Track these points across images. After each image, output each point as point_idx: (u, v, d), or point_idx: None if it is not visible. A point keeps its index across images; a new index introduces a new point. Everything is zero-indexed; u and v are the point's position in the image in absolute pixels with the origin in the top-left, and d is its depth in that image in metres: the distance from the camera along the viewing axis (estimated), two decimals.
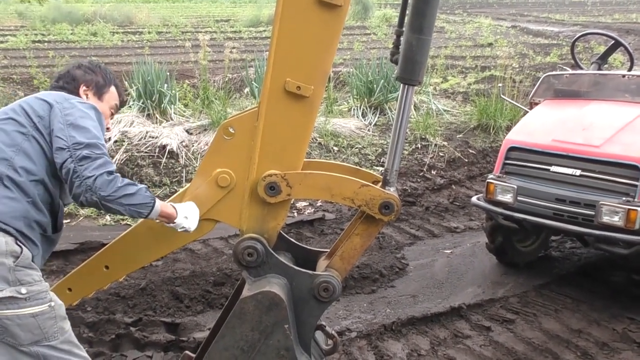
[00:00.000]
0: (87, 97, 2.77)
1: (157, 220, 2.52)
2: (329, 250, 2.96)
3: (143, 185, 2.44)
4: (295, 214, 6.27)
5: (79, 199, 2.37)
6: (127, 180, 2.41)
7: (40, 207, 2.45)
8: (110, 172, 2.36)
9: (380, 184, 2.73)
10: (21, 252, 2.33)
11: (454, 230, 6.03)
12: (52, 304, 2.39)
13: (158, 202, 2.45)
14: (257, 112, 2.61)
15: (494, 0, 43.54)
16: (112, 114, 2.93)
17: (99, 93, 2.83)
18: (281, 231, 2.82)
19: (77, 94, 2.75)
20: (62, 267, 4.85)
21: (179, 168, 7.03)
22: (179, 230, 2.57)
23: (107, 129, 2.78)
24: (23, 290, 2.30)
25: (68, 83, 2.78)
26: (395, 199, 2.61)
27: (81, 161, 2.35)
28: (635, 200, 3.95)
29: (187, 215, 2.55)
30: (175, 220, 2.53)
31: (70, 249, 5.09)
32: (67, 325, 2.46)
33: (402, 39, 2.66)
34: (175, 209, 2.54)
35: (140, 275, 4.72)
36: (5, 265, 2.28)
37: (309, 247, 3.09)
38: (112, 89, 2.88)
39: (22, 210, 2.38)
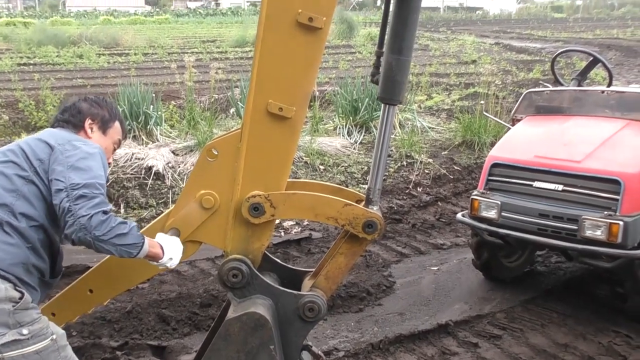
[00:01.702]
0: (91, 131, 2.76)
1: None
2: (314, 269, 2.97)
3: (134, 224, 2.43)
4: (282, 233, 6.27)
5: (71, 237, 2.35)
6: (119, 219, 2.40)
7: (40, 253, 2.46)
8: (105, 212, 2.35)
9: (363, 203, 2.76)
10: (20, 298, 2.32)
11: (441, 247, 6.05)
12: (54, 336, 2.40)
13: (147, 242, 2.44)
14: (240, 133, 2.63)
15: (478, 17, 44.02)
16: (115, 149, 2.93)
17: (104, 127, 2.82)
18: (266, 251, 2.83)
19: (82, 127, 2.75)
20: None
21: (165, 189, 7.03)
22: (159, 267, 2.59)
23: (109, 163, 2.78)
24: (25, 331, 2.31)
25: (74, 116, 2.77)
26: (378, 218, 2.63)
27: (77, 200, 2.33)
28: (617, 214, 4.00)
29: (172, 257, 2.54)
30: (159, 260, 2.52)
31: None
32: (69, 350, 2.49)
33: (382, 59, 2.70)
34: (162, 249, 2.52)
35: (126, 298, 4.70)
36: (5, 310, 2.27)
37: (294, 267, 3.10)
38: (117, 124, 2.87)
39: (22, 257, 2.38)
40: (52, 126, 2.79)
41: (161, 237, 2.57)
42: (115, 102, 8.41)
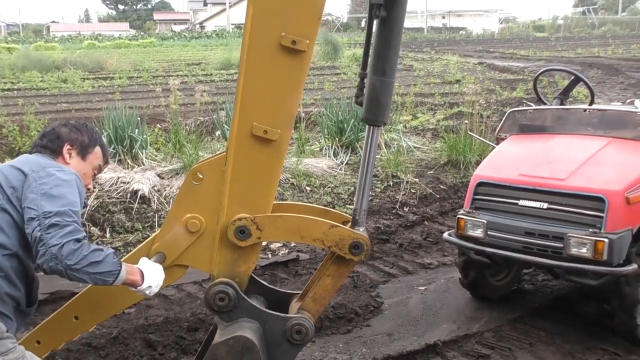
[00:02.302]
0: (70, 156, 2.72)
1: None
2: (301, 292, 2.96)
3: (110, 251, 2.40)
4: (269, 255, 6.25)
5: (43, 267, 2.31)
6: (93, 246, 2.36)
7: (14, 281, 2.43)
8: (77, 240, 2.31)
9: (349, 224, 2.76)
10: None
11: (428, 267, 6.05)
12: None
13: (124, 269, 2.41)
14: (225, 156, 2.63)
15: (461, 37, 44.48)
16: (95, 175, 2.88)
17: (83, 153, 2.77)
18: (253, 274, 2.83)
19: (60, 153, 2.70)
20: (33, 318, 4.75)
21: (151, 213, 6.99)
22: (138, 294, 2.55)
23: (87, 189, 2.75)
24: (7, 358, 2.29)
25: (52, 141, 2.71)
26: (364, 239, 2.64)
27: (48, 229, 2.30)
28: (602, 231, 4.02)
29: (151, 285, 2.51)
30: (137, 288, 2.49)
31: (41, 299, 4.96)
32: None
33: (366, 81, 2.72)
34: (142, 275, 2.49)
35: (112, 324, 4.65)
36: None
37: (281, 290, 3.09)
38: (97, 149, 2.82)
39: None
40: (30, 152, 2.75)
41: (143, 263, 2.55)
42: (100, 126, 8.42)
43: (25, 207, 2.38)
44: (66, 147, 2.71)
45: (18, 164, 2.56)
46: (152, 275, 2.52)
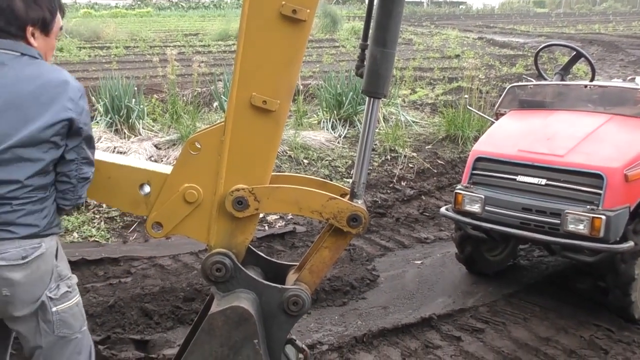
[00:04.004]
0: (34, 38, 2.40)
1: None
2: (298, 263, 2.96)
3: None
4: (266, 227, 6.25)
5: (58, 200, 2.49)
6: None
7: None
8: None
9: (348, 196, 2.74)
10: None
11: (424, 241, 6.07)
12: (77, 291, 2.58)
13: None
14: (224, 127, 2.60)
15: (461, 12, 44.15)
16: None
17: (47, 29, 2.45)
18: (250, 245, 2.82)
19: (24, 37, 2.38)
20: None
21: None
22: None
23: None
24: (68, 283, 2.51)
25: (10, 22, 2.35)
26: (362, 212, 2.63)
27: (81, 181, 2.52)
28: (599, 208, 4.02)
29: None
30: None
31: None
32: None
33: (366, 52, 2.69)
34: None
35: (108, 293, 4.67)
36: (54, 265, 2.45)
37: (278, 261, 3.08)
38: (58, 16, 2.50)
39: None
40: None
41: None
42: (97, 95, 8.36)
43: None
44: (29, 30, 2.39)
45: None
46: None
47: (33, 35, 2.40)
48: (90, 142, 2.47)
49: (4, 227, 2.29)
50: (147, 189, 2.68)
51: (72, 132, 2.37)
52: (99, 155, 2.68)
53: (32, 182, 2.33)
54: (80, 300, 2.59)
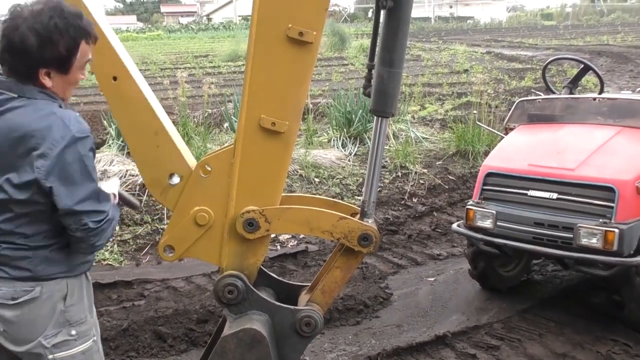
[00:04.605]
0: (49, 78, 2.21)
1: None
2: (310, 284, 2.96)
3: (106, 208, 2.30)
4: (279, 246, 6.26)
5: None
6: (103, 221, 2.28)
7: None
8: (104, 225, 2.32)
9: (358, 216, 2.75)
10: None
11: (437, 258, 6.04)
12: (95, 337, 2.45)
13: (118, 210, 2.45)
14: (234, 149, 2.63)
15: (469, 26, 44.24)
16: (87, 62, 2.36)
17: (64, 67, 2.22)
18: (261, 266, 2.83)
19: (36, 79, 2.19)
20: None
21: (160, 205, 6.99)
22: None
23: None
24: (73, 331, 2.36)
25: (20, 60, 2.16)
26: (373, 231, 2.63)
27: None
28: (612, 221, 4.00)
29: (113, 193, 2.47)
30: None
31: None
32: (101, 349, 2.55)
33: (373, 72, 2.71)
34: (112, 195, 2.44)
35: (121, 316, 4.67)
36: (58, 309, 2.32)
37: (290, 282, 3.09)
38: (82, 45, 2.23)
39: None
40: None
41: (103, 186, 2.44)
42: (109, 119, 8.42)
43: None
44: (42, 71, 2.18)
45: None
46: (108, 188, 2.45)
47: (48, 75, 2.20)
48: (79, 189, 2.18)
49: (2, 264, 2.25)
50: (175, 179, 2.67)
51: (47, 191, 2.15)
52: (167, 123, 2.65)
53: (6, 227, 2.22)
54: (94, 347, 2.45)
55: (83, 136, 2.18)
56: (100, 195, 2.28)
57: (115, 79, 2.58)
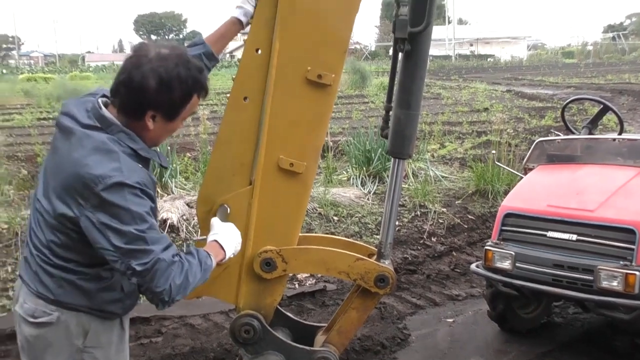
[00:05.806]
0: (153, 122, 2.19)
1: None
2: (326, 324, 2.96)
3: (196, 257, 2.22)
4: (296, 285, 6.24)
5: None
6: (182, 267, 2.16)
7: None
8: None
9: (375, 257, 2.76)
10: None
11: (456, 298, 5.99)
12: None
13: (212, 260, 2.29)
14: (252, 189, 2.66)
15: (489, 65, 44.37)
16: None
17: (171, 115, 2.22)
18: (278, 306, 2.84)
19: (142, 119, 2.17)
20: None
21: (180, 242, 7.05)
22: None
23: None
24: None
25: (132, 98, 2.13)
26: (390, 272, 2.64)
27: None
28: (633, 264, 3.95)
29: (233, 252, 2.42)
30: (223, 261, 2.40)
31: None
32: None
33: (391, 114, 2.75)
34: (222, 248, 2.37)
35: (139, 353, 4.68)
36: (75, 346, 2.26)
37: (306, 322, 3.10)
38: (194, 98, 2.24)
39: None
40: (111, 99, 2.24)
41: (218, 232, 2.41)
42: None
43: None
44: (149, 113, 2.16)
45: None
46: (230, 244, 2.40)
47: (153, 118, 2.18)
48: (125, 234, 2.05)
49: (33, 277, 2.22)
50: (225, 208, 2.68)
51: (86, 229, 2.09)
52: None
53: (51, 246, 2.17)
54: None
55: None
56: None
57: (245, 99, 2.71)
